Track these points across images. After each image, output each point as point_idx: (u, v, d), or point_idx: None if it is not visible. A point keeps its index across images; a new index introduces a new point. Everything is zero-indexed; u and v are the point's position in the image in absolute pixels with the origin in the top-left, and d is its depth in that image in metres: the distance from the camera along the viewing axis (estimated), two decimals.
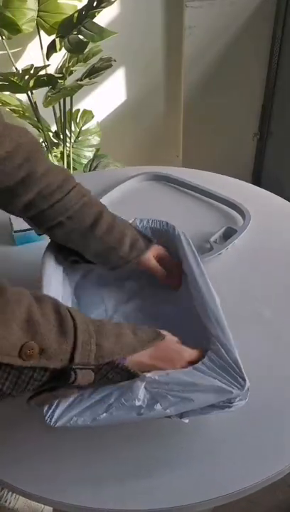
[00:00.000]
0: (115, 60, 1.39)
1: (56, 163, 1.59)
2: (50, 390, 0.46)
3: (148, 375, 0.51)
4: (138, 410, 0.48)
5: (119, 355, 0.48)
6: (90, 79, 1.38)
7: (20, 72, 1.29)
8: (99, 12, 1.25)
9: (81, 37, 1.27)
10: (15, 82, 1.28)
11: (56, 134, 1.61)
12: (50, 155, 1.57)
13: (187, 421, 0.51)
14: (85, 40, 1.27)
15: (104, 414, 0.48)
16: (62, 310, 0.47)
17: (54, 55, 1.41)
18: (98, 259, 0.69)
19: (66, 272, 0.73)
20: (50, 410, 0.49)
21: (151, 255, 0.70)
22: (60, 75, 1.39)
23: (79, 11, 1.26)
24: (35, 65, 1.26)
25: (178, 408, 0.49)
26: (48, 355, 0.44)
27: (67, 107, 1.49)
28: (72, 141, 1.63)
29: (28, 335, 0.43)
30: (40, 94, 1.45)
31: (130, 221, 0.74)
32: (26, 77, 1.27)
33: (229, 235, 0.86)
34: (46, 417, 0.48)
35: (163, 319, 0.69)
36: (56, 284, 0.67)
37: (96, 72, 1.39)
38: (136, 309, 0.71)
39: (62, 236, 0.66)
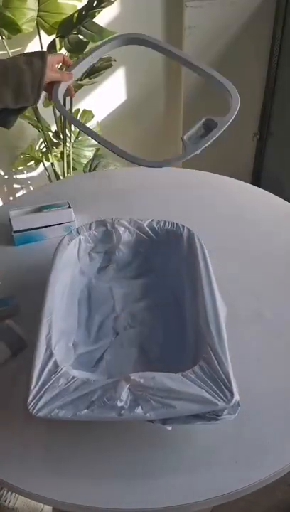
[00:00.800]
0: (115, 60, 1.39)
1: (56, 163, 1.59)
2: None
3: (133, 377, 0.51)
4: (118, 411, 0.49)
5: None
6: (90, 79, 1.38)
7: None
8: (99, 12, 1.25)
9: (81, 37, 1.27)
10: None
11: (56, 134, 1.61)
12: (50, 155, 1.57)
13: (170, 428, 0.50)
14: (85, 40, 1.27)
15: (85, 411, 0.49)
16: None
17: None
18: (20, 103, 0.73)
19: (83, 266, 0.77)
20: (34, 400, 0.49)
21: (53, 66, 0.76)
22: None
23: (79, 11, 1.26)
24: None
25: (159, 414, 0.49)
26: None
27: (67, 107, 1.49)
28: (72, 141, 1.63)
29: None
30: None
31: (143, 222, 0.77)
32: None
33: (210, 128, 0.71)
34: (29, 406, 0.49)
35: (168, 321, 0.69)
36: (65, 276, 0.69)
37: (96, 72, 1.39)
38: (144, 309, 0.72)
39: None
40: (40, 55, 0.73)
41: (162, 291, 0.75)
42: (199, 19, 1.58)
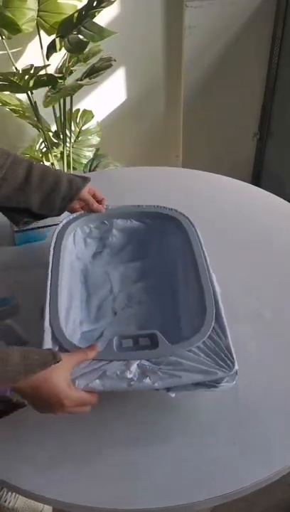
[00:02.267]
0: (115, 60, 1.39)
1: (56, 163, 1.59)
2: None
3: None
4: (128, 382, 0.52)
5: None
6: (90, 79, 1.38)
7: (20, 72, 1.29)
8: (99, 12, 1.24)
9: (81, 37, 1.27)
10: (15, 82, 1.28)
11: (56, 134, 1.61)
12: (50, 155, 1.57)
13: (173, 395, 0.53)
14: (85, 40, 1.27)
15: (97, 381, 0.51)
16: None
17: (54, 55, 1.41)
18: (44, 208, 0.73)
19: (78, 252, 0.79)
20: None
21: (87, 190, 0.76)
22: (60, 75, 1.39)
23: (79, 11, 1.26)
24: (35, 65, 1.26)
25: (166, 383, 0.52)
26: None
27: (67, 107, 1.49)
28: (72, 141, 1.63)
29: None
30: (40, 94, 1.45)
31: (138, 208, 0.78)
32: (26, 77, 1.27)
33: None
34: None
35: (165, 301, 0.72)
36: (66, 264, 0.71)
37: (96, 72, 1.39)
38: (141, 290, 0.75)
39: (3, 197, 0.71)
40: (84, 178, 0.75)
41: (158, 273, 0.77)
42: (199, 19, 1.58)
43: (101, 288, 0.75)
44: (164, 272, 0.77)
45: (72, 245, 0.77)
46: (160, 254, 0.79)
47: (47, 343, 0.56)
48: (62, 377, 0.50)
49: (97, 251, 0.81)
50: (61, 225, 0.75)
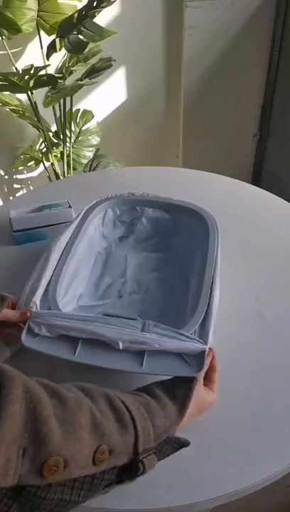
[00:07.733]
0: (115, 60, 1.39)
1: (56, 163, 1.59)
2: (117, 482, 0.44)
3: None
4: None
5: (171, 428, 0.48)
6: (90, 79, 1.38)
7: (20, 72, 1.29)
8: (99, 12, 1.25)
9: (81, 37, 1.27)
10: (15, 82, 1.28)
11: (56, 134, 1.61)
12: (50, 155, 1.57)
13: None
14: (85, 40, 1.27)
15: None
16: (115, 402, 0.45)
17: (54, 55, 1.41)
18: None
19: (104, 231, 0.83)
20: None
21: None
22: (60, 75, 1.39)
23: (79, 11, 1.26)
24: (35, 65, 1.26)
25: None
26: (117, 453, 0.42)
27: (67, 107, 1.49)
28: (72, 141, 1.63)
29: (97, 439, 0.41)
30: (40, 94, 1.45)
31: (169, 201, 0.83)
32: (26, 77, 1.27)
33: None
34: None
35: (171, 295, 0.73)
36: (84, 239, 0.75)
37: (96, 72, 1.39)
38: (153, 280, 0.76)
39: None
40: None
41: (174, 267, 0.78)
42: (199, 19, 1.58)
43: (116, 270, 0.78)
44: (181, 267, 0.78)
45: (100, 223, 0.81)
46: (181, 249, 0.81)
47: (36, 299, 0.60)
48: (201, 387, 0.54)
49: (124, 235, 0.84)
50: (93, 202, 0.81)
